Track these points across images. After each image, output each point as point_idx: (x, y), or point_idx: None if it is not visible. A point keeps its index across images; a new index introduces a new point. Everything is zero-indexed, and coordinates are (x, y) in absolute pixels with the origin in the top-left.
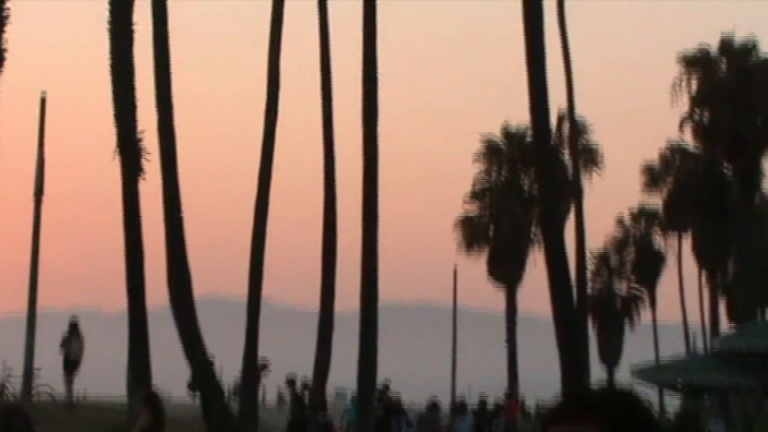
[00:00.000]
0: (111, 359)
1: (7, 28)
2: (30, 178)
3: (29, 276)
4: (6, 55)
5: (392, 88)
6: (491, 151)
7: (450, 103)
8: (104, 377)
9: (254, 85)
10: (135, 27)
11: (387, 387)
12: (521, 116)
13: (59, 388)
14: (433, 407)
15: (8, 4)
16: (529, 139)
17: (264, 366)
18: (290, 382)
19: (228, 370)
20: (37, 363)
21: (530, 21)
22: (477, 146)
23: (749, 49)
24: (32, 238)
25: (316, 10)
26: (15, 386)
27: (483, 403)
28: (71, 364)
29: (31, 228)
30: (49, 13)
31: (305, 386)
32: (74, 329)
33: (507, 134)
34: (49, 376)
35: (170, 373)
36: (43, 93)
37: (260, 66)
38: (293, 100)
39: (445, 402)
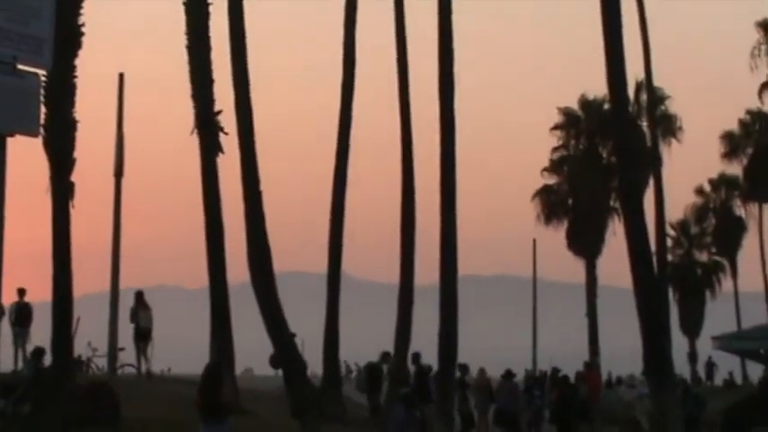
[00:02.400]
0: (195, 335)
1: (84, 8)
2: (110, 158)
3: (111, 255)
4: (84, 34)
5: (469, 61)
6: (569, 121)
7: (527, 75)
8: (188, 352)
9: (330, 62)
10: (211, 3)
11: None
12: (599, 88)
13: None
14: (509, 375)
15: None
16: (607, 108)
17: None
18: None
19: (310, 345)
20: (120, 340)
21: None
22: (554, 118)
23: None
24: (113, 217)
25: None
26: (100, 363)
27: (556, 370)
28: (141, 335)
29: (112, 207)
30: None
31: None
32: (140, 301)
33: (585, 104)
34: (133, 354)
35: (253, 349)
36: (121, 72)
37: (336, 41)
38: (369, 76)
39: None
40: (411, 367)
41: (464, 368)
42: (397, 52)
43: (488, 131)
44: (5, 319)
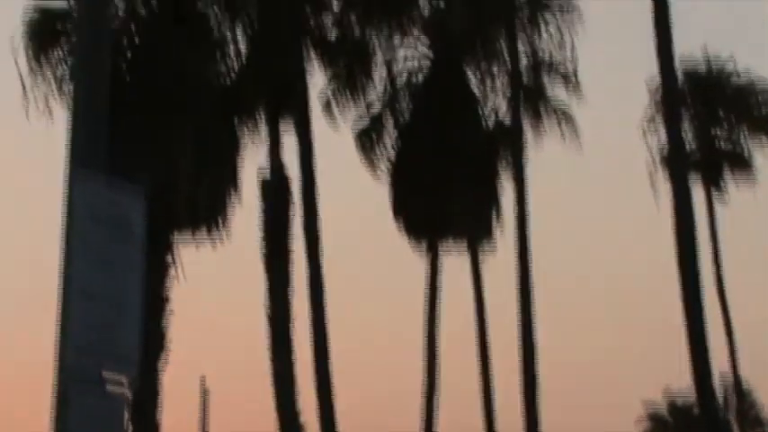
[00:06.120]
0: None
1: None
2: None
3: None
4: (166, 337)
5: (550, 358)
6: (655, 420)
7: (608, 367)
8: None
9: (412, 343)
10: (293, 307)
11: None
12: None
13: None
14: None
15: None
16: (691, 403)
17: None
18: None
19: None
20: None
21: (687, 283)
22: (636, 406)
23: None
24: None
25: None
26: None
27: None
28: None
29: None
30: (206, 298)
31: None
32: None
33: (672, 406)
34: None
35: None
36: (203, 378)
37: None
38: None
39: None
40: None
41: None
42: (477, 324)
43: (573, 412)
44: None
